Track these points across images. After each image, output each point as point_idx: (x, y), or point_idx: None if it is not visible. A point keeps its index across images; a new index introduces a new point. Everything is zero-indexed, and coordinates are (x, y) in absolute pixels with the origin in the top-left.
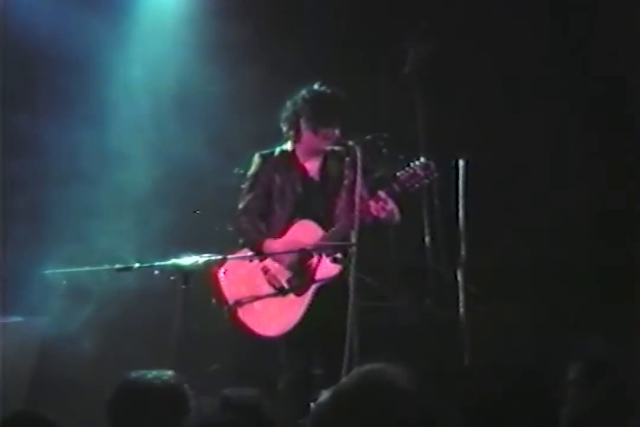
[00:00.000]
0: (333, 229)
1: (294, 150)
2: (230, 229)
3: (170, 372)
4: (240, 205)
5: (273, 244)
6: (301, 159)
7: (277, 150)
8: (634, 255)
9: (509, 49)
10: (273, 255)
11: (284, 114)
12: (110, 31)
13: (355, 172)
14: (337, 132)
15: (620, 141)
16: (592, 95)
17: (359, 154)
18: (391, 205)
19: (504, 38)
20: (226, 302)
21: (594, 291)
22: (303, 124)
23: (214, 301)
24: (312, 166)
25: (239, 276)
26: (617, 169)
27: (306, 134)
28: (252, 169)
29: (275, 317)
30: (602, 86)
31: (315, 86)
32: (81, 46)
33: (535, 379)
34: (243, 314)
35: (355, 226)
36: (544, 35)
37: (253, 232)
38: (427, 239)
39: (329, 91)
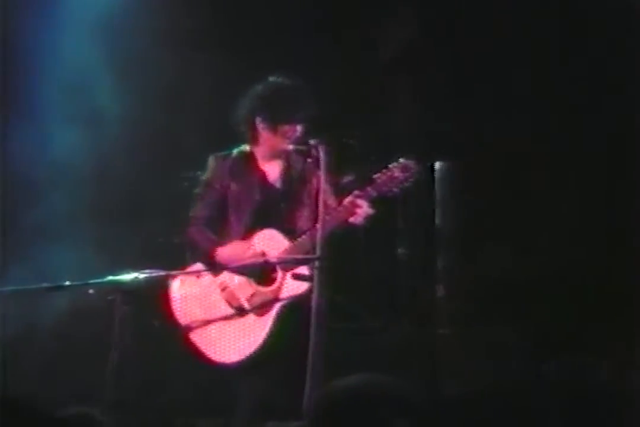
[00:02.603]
0: (299, 240)
1: (252, 152)
2: (176, 240)
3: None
4: (191, 213)
5: (225, 251)
6: (260, 161)
7: (235, 151)
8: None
9: (502, 33)
10: (228, 269)
11: (238, 113)
12: (53, 15)
13: (319, 175)
14: (299, 128)
15: (618, 141)
16: (591, 91)
17: (322, 155)
18: (366, 208)
19: (498, 21)
20: (177, 324)
21: (589, 307)
22: (260, 124)
23: (156, 323)
24: (273, 170)
25: (192, 294)
26: (617, 170)
27: (264, 134)
28: (206, 174)
29: (233, 341)
30: (601, 83)
31: (271, 78)
32: (20, 29)
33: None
34: (196, 338)
35: (320, 236)
36: (543, 24)
37: (201, 241)
38: (401, 251)
39: (286, 82)
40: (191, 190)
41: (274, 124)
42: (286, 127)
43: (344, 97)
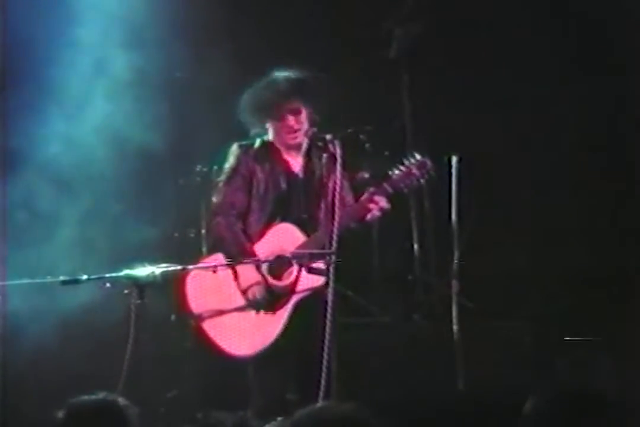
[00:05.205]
0: (314, 235)
1: (274, 142)
2: (192, 235)
3: (114, 395)
4: (215, 200)
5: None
6: (283, 152)
7: (258, 141)
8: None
9: (508, 29)
10: (244, 264)
11: (242, 116)
12: (64, 10)
13: (336, 171)
14: (300, 120)
15: (623, 132)
16: (595, 86)
17: (338, 150)
18: (383, 203)
19: (503, 17)
20: (191, 314)
21: (601, 303)
22: (262, 122)
23: (173, 317)
24: (296, 161)
25: (207, 285)
26: (623, 164)
27: (270, 131)
28: (230, 161)
29: (248, 334)
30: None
31: (269, 75)
32: (30, 26)
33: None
34: (210, 329)
35: (335, 231)
36: (548, 19)
37: (230, 240)
38: (415, 245)
39: (281, 74)
40: (204, 185)
41: (265, 121)
42: (280, 122)
43: (356, 92)
